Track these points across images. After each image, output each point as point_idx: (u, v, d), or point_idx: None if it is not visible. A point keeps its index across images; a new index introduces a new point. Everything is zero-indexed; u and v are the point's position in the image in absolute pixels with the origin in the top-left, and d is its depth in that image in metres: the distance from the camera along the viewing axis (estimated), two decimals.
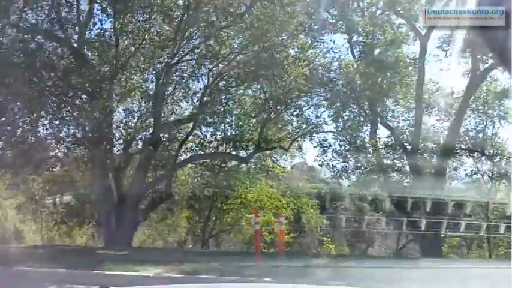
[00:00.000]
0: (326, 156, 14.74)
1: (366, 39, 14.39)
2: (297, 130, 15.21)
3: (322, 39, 14.80)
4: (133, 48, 12.76)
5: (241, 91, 14.73)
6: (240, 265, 8.00)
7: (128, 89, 13.09)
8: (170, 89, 13.78)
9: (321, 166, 15.34)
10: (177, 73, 13.55)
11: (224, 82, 14.19)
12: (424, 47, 14.18)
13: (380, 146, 14.67)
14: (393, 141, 14.73)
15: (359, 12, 15.38)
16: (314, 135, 15.01)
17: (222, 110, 14.14)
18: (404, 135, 14.91)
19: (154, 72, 13.39)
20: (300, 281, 5.72)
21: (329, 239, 17.67)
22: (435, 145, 14.88)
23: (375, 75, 13.64)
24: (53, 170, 13.41)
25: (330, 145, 14.82)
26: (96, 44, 12.54)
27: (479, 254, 17.35)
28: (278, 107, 14.39)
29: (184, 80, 13.73)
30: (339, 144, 14.79)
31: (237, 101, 14.63)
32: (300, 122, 14.99)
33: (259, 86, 14.33)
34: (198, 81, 14.02)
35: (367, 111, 14.76)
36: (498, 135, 15.16)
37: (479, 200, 15.75)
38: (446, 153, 14.45)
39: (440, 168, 14.27)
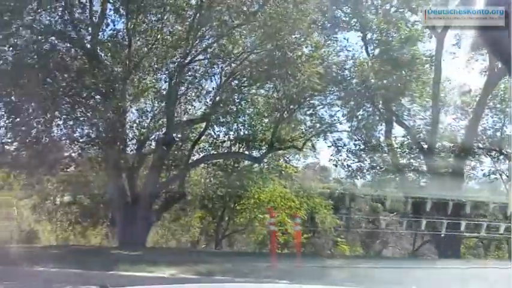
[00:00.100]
0: (341, 155, 14.61)
1: (380, 36, 14.18)
2: (311, 129, 15.06)
3: (336, 37, 14.73)
4: (146, 49, 12.74)
5: (254, 90, 14.63)
6: (256, 266, 7.88)
7: (141, 89, 13.10)
8: (183, 88, 13.74)
9: (336, 166, 15.18)
10: (190, 73, 13.51)
11: (237, 81, 14.11)
12: (440, 44, 13.93)
13: (395, 146, 14.44)
14: (409, 141, 14.50)
15: (373, 9, 15.22)
16: (328, 134, 14.87)
17: (235, 109, 14.07)
18: (421, 134, 14.67)
19: (167, 72, 13.37)
20: (316, 282, 5.58)
21: (344, 240, 17.46)
22: (452, 144, 14.60)
23: (390, 73, 13.42)
24: (67, 170, 13.45)
25: (345, 144, 14.71)
26: (109, 44, 12.55)
27: (498, 256, 17.00)
28: (291, 106, 14.22)
29: (196, 80, 13.69)
30: (354, 144, 14.65)
31: (249, 100, 14.53)
32: (313, 122, 14.84)
33: (272, 85, 14.18)
34: (211, 81, 14.02)
35: (382, 110, 14.56)
36: None
37: (497, 200, 15.40)
38: (464, 152, 14.18)
39: (457, 168, 14.01)
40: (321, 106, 14.58)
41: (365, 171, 14.58)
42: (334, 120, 14.70)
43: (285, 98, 13.94)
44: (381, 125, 14.75)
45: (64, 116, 12.08)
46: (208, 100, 14.10)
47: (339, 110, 14.59)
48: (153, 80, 13.67)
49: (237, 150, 15.14)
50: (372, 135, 14.60)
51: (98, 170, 13.54)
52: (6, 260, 8.58)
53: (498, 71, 13.85)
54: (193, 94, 14.13)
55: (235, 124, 14.59)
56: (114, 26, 12.68)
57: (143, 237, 12.92)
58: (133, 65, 12.39)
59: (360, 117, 14.45)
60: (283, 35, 12.29)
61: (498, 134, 14.98)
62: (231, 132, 14.78)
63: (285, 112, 14.28)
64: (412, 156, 14.62)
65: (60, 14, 11.95)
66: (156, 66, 13.23)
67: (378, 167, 14.49)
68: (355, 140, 14.65)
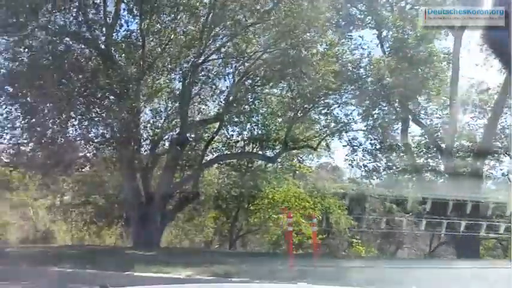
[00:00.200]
0: (356, 155, 14.42)
1: (396, 34, 13.95)
2: (325, 129, 14.89)
3: (351, 35, 14.53)
4: (159, 49, 12.74)
5: (267, 90, 14.52)
6: (272, 267, 7.77)
7: (155, 89, 13.10)
8: (196, 88, 13.71)
9: (352, 166, 14.98)
10: (203, 72, 13.47)
11: (250, 81, 14.02)
12: (458, 41, 13.65)
13: (412, 145, 14.20)
14: (426, 140, 14.25)
15: (388, 6, 15.00)
16: (343, 134, 14.68)
17: (249, 109, 14.02)
18: (438, 134, 14.40)
19: (180, 72, 13.36)
20: (333, 283, 5.44)
21: (359, 241, 17.24)
22: (470, 144, 14.31)
23: (406, 71, 13.15)
24: (82, 170, 13.52)
25: (360, 144, 14.50)
26: (123, 45, 12.55)
27: None
28: (305, 106, 14.04)
29: (210, 80, 13.63)
30: (370, 143, 14.43)
31: (263, 99, 14.45)
32: (328, 121, 14.68)
33: (286, 84, 14.03)
34: (224, 80, 13.95)
35: (398, 109, 14.32)
36: None
37: None
38: (482, 152, 13.87)
39: (475, 168, 13.71)
40: (336, 105, 14.38)
41: (381, 171, 14.38)
42: (350, 119, 14.52)
43: (299, 97, 13.78)
44: (397, 124, 14.51)
45: (79, 117, 12.13)
46: (221, 100, 14.06)
47: (354, 109, 14.43)
48: (167, 80, 13.67)
49: (250, 150, 15.07)
50: (388, 135, 14.36)
51: (113, 170, 13.60)
52: (22, 259, 8.64)
53: None
54: (206, 94, 14.11)
55: (249, 124, 14.53)
56: (128, 26, 12.73)
57: (157, 238, 12.93)
58: (147, 65, 12.40)
59: (375, 116, 14.21)
60: (298, 34, 12.14)
61: None
62: (245, 132, 14.75)
63: (299, 111, 14.13)
64: (429, 155, 14.38)
65: (74, 15, 12.00)
66: (169, 66, 13.23)
67: (394, 167, 14.27)
68: (371, 140, 14.45)
